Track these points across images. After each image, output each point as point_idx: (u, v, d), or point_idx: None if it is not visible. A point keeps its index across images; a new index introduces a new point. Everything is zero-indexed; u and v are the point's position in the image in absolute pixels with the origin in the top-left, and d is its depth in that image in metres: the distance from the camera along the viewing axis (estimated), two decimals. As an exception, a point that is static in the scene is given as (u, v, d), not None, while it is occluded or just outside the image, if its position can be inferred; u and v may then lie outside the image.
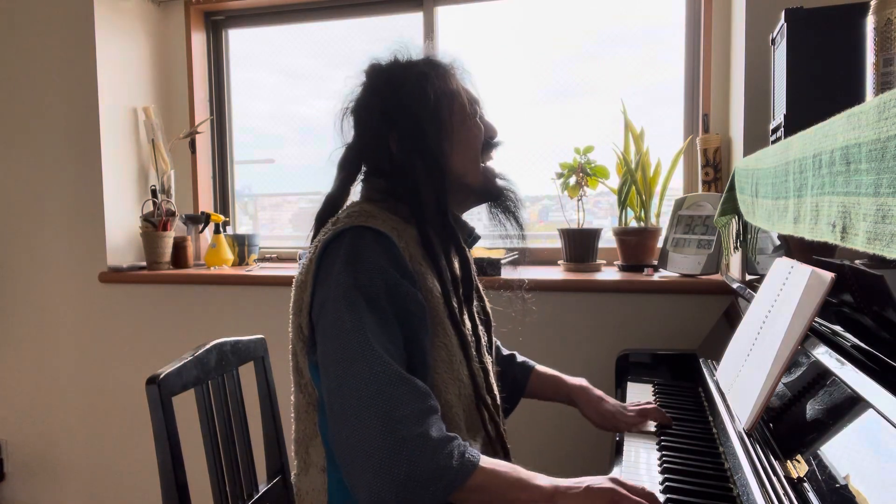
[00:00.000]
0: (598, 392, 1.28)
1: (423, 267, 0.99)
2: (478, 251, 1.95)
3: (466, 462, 0.82)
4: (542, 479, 0.85)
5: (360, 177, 1.10)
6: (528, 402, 1.36)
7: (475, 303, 1.15)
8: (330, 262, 0.93)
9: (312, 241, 1.06)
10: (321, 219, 1.08)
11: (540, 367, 1.35)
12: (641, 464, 1.06)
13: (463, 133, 1.06)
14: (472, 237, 1.15)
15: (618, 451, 1.12)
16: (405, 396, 0.83)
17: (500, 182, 1.12)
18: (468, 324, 1.08)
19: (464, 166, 1.06)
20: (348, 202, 1.09)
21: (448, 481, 0.80)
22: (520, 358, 1.36)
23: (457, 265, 1.09)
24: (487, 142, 1.10)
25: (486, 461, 0.84)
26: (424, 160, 1.02)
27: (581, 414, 1.27)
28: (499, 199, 1.11)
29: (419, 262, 0.99)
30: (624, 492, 0.83)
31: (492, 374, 1.13)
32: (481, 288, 1.20)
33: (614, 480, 0.84)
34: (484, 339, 1.14)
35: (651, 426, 1.21)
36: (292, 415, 1.05)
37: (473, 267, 1.14)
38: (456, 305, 1.03)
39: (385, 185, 1.06)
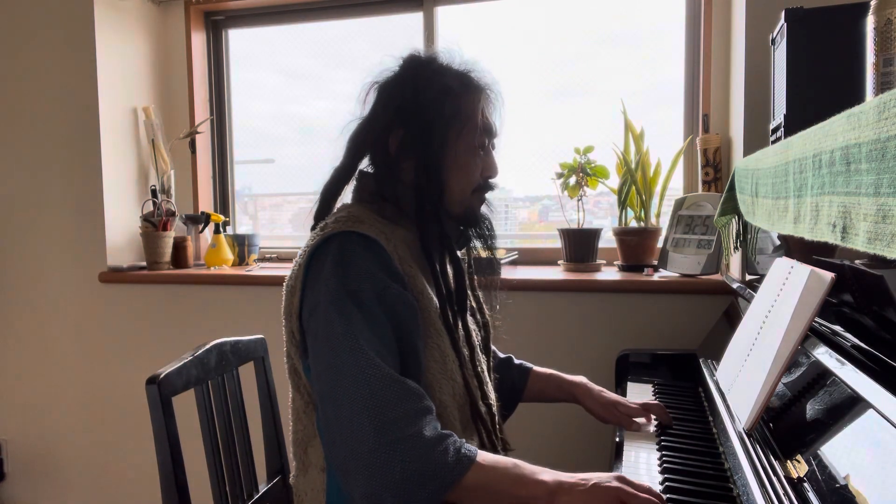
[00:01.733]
0: (598, 386, 1.28)
1: (412, 268, 0.99)
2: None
3: (463, 458, 0.82)
4: (546, 475, 0.84)
5: (364, 163, 1.09)
6: (527, 404, 1.35)
7: (475, 310, 1.15)
8: (318, 268, 0.93)
9: (315, 217, 1.06)
10: (327, 192, 1.07)
11: (537, 368, 1.34)
12: (641, 464, 1.06)
13: (463, 160, 1.04)
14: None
15: (618, 452, 1.12)
16: (397, 398, 0.83)
17: (483, 210, 1.10)
18: (461, 331, 1.07)
19: (454, 191, 1.04)
20: (344, 190, 1.09)
21: (444, 478, 0.80)
22: (516, 361, 1.35)
23: (451, 273, 1.07)
24: (485, 180, 1.08)
25: (486, 457, 0.84)
26: (420, 168, 1.01)
27: (584, 408, 1.27)
28: (474, 226, 1.09)
29: (408, 263, 0.98)
30: (631, 490, 0.82)
31: (488, 384, 1.13)
32: (481, 297, 1.20)
33: (621, 479, 0.84)
34: (480, 349, 1.13)
35: (651, 427, 1.21)
36: (290, 416, 1.05)
37: (469, 278, 1.13)
38: (450, 312, 1.03)
39: (373, 185, 1.05)
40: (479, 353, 1.12)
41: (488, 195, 1.11)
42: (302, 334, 0.96)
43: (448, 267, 1.07)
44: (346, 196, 1.10)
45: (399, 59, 1.07)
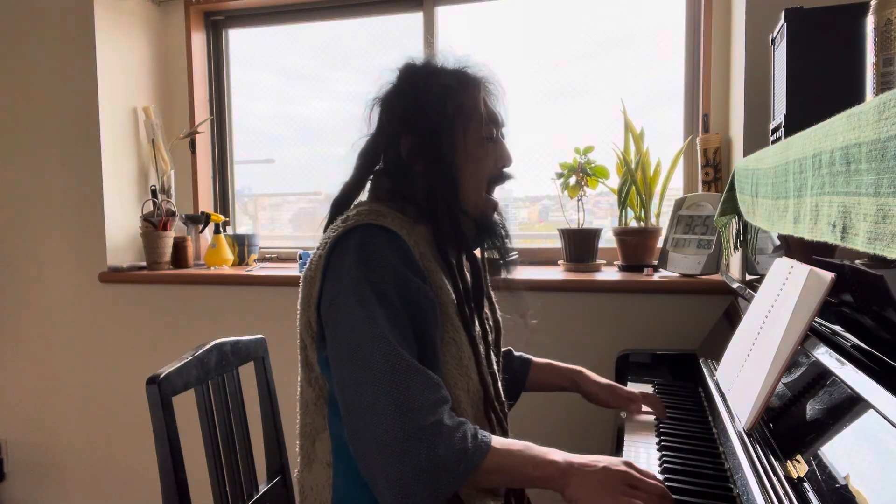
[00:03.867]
0: (595, 374, 1.33)
1: (431, 264, 1.00)
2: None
3: (480, 443, 0.84)
4: (556, 455, 0.87)
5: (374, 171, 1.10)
6: (527, 403, 1.36)
7: (485, 311, 1.16)
8: (340, 259, 0.94)
9: (325, 229, 1.07)
10: (338, 205, 1.09)
11: (536, 359, 1.37)
12: (641, 463, 1.06)
13: (474, 153, 1.05)
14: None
15: (618, 450, 1.12)
16: (420, 387, 0.84)
17: (495, 217, 1.11)
18: (478, 327, 1.08)
19: (469, 187, 1.05)
20: (357, 200, 1.10)
21: (466, 463, 0.82)
22: (516, 353, 1.38)
23: (468, 272, 1.10)
24: (499, 171, 1.09)
25: (499, 441, 0.86)
26: (433, 170, 1.03)
27: (583, 394, 1.31)
28: (487, 233, 1.10)
29: (428, 258, 1.00)
30: (638, 475, 0.85)
31: (499, 382, 1.14)
32: (493, 296, 1.21)
33: (628, 464, 0.87)
34: (492, 347, 1.15)
35: (648, 417, 1.22)
36: (297, 410, 1.05)
37: (486, 276, 1.15)
38: (467, 309, 1.04)
39: (390, 185, 1.07)
40: (492, 353, 1.14)
41: (499, 192, 1.12)
42: (320, 325, 0.96)
43: (466, 264, 1.09)
44: None
45: (395, 71, 1.09)
